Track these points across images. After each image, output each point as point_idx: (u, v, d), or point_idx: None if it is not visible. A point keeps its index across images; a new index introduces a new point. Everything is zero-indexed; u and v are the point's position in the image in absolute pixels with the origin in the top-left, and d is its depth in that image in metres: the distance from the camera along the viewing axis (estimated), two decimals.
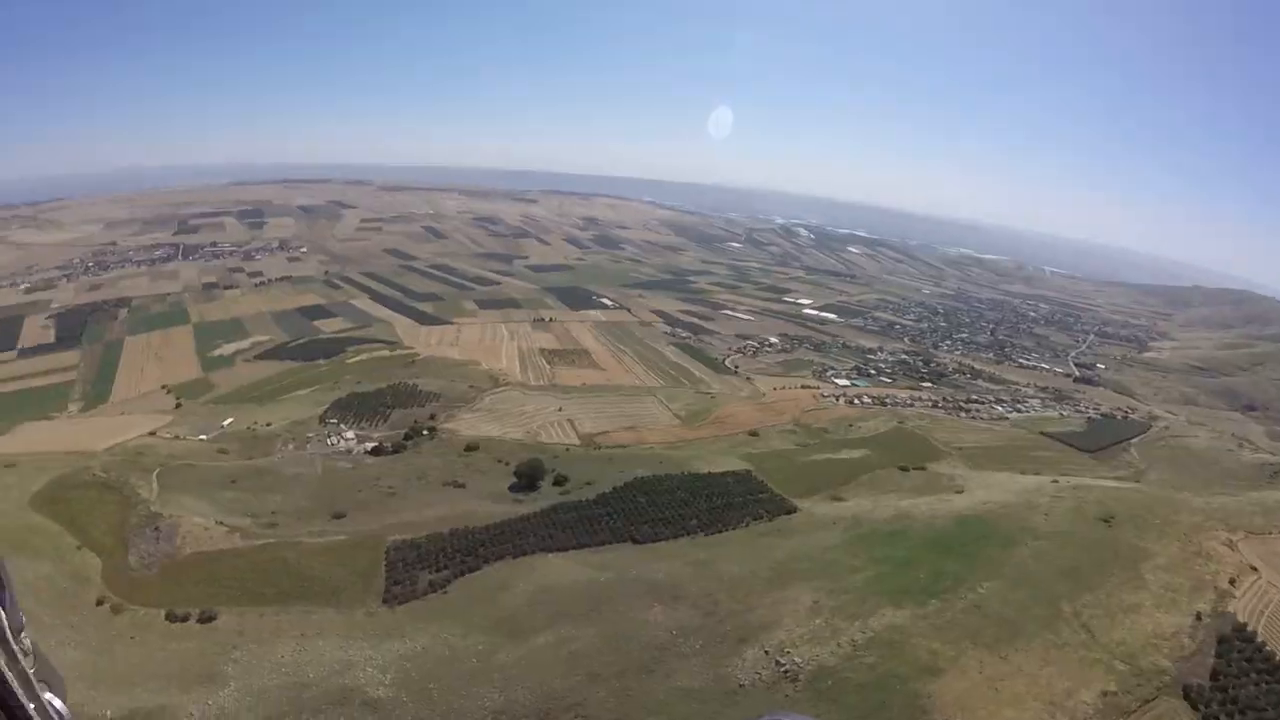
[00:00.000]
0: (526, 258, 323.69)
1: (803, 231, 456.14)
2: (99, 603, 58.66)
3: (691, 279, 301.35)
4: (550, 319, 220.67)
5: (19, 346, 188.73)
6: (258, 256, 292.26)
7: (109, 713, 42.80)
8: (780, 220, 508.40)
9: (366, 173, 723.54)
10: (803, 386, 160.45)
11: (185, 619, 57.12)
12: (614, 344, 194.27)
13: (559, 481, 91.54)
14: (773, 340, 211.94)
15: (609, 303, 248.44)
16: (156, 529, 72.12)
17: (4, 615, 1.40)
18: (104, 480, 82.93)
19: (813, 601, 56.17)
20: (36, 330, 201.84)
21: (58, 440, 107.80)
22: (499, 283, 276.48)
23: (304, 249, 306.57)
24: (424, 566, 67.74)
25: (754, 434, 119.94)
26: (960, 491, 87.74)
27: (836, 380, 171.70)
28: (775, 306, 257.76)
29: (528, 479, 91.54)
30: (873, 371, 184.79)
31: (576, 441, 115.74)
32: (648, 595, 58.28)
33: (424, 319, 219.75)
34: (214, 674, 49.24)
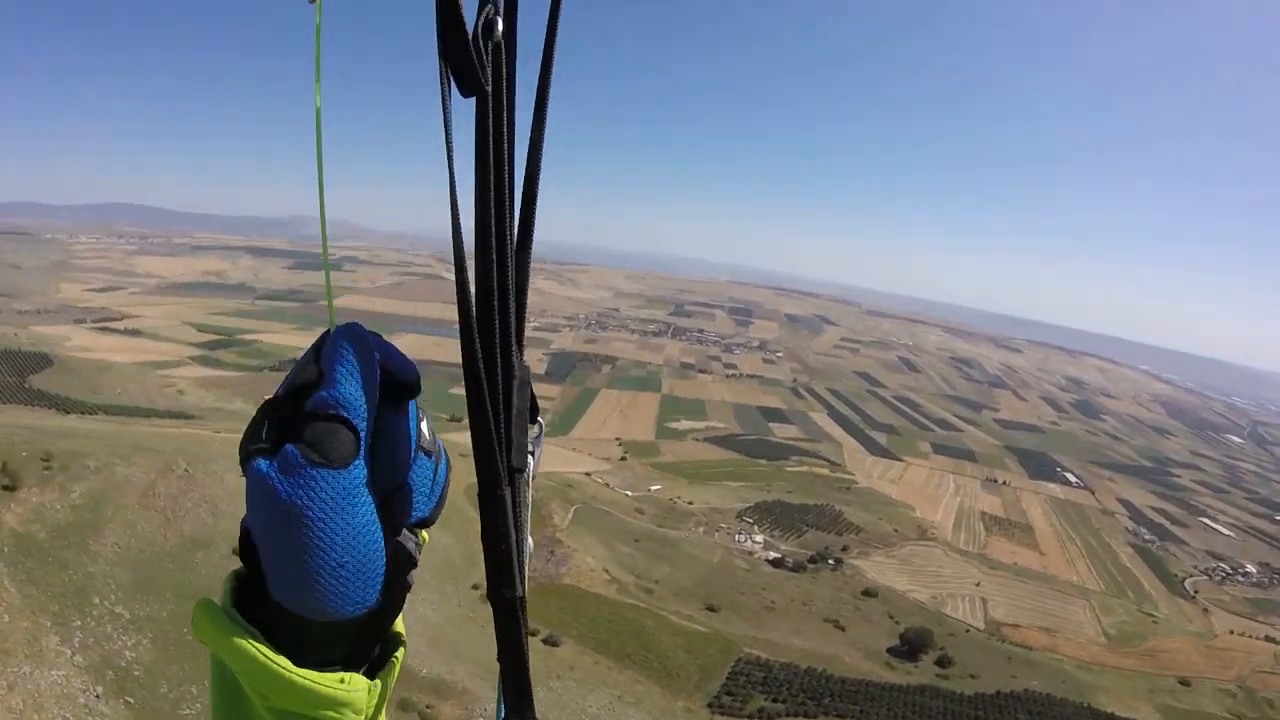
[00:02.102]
0: (997, 410, 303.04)
1: None
2: (474, 587, 68.36)
3: (1174, 471, 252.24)
4: (1003, 482, 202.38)
5: None
6: (736, 350, 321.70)
7: (425, 671, 49.70)
8: None
9: (847, 292, 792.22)
10: (1267, 638, 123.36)
11: (534, 634, 63.82)
12: (1064, 527, 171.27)
13: (942, 662, 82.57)
14: (1249, 569, 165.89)
15: (1072, 479, 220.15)
16: (552, 551, 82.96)
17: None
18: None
19: None
20: (534, 361, 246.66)
21: None
22: (961, 430, 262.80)
23: (780, 354, 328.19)
24: (764, 690, 66.65)
25: (1184, 683, 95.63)
26: None
27: None
28: (1265, 526, 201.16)
29: (911, 647, 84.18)
30: None
31: (981, 625, 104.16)
32: None
33: (874, 448, 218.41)
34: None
